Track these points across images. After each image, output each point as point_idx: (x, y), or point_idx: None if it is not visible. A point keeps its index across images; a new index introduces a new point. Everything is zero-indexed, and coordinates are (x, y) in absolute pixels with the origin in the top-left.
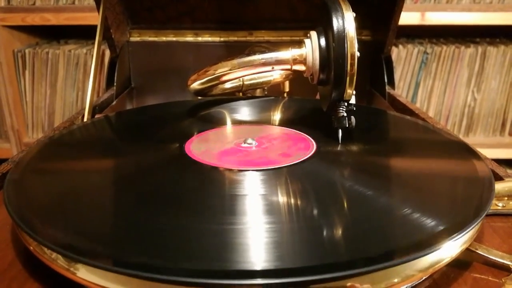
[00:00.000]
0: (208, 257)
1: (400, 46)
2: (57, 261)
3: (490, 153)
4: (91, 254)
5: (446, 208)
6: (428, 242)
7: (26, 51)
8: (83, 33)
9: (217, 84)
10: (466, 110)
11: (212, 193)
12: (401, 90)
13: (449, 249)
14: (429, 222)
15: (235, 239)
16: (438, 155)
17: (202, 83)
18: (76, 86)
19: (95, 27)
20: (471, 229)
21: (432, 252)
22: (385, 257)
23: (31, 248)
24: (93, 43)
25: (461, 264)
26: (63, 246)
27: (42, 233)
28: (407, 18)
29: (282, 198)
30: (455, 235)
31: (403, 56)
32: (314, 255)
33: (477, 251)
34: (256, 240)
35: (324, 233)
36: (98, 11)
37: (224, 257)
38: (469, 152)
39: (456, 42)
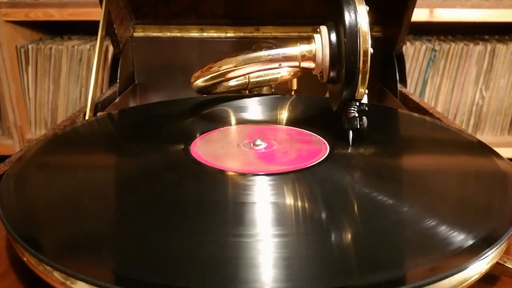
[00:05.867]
0: (210, 275)
1: (408, 43)
2: (53, 274)
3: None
4: (88, 269)
5: (474, 220)
6: (456, 261)
7: (29, 46)
8: (87, 29)
9: (221, 82)
10: (474, 108)
11: (218, 200)
12: (408, 88)
13: (479, 266)
14: (457, 236)
15: (241, 254)
16: (458, 159)
17: (206, 81)
18: (80, 82)
19: (99, 22)
20: (503, 243)
21: (462, 271)
22: (408, 279)
23: (25, 259)
24: (97, 39)
25: (488, 278)
26: (58, 259)
27: (36, 244)
28: (415, 14)
29: (294, 208)
30: (486, 251)
31: (410, 53)
32: (328, 276)
33: (505, 264)
34: (265, 256)
35: (342, 251)
36: (101, 6)
37: (228, 275)
38: (490, 154)
39: (465, 39)
